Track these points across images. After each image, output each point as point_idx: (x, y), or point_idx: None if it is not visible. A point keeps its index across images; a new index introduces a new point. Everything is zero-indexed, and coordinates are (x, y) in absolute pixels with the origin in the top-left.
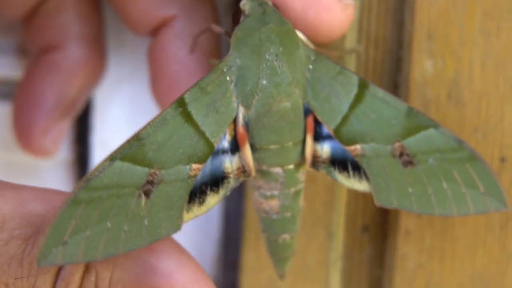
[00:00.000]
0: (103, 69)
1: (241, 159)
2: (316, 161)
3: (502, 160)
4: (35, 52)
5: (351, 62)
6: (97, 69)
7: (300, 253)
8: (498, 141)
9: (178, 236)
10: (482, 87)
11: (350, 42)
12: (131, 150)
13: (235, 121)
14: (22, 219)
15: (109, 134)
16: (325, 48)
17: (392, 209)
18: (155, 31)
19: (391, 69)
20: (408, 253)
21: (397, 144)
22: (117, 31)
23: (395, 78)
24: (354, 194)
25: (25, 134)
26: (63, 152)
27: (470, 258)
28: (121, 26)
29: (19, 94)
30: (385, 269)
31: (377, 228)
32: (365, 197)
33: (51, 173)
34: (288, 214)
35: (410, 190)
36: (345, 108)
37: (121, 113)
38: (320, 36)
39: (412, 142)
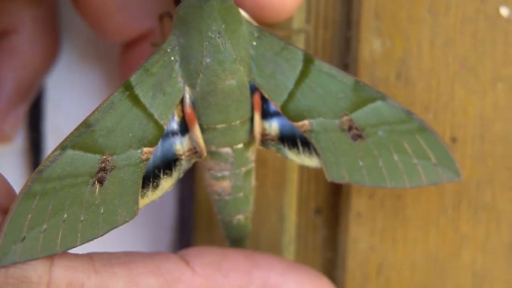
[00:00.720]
0: (57, 52)
1: (191, 140)
2: (265, 139)
3: (453, 140)
4: None
5: (300, 43)
6: (51, 52)
7: (252, 236)
8: (449, 121)
9: (133, 225)
10: (431, 66)
11: (298, 22)
12: (81, 138)
13: (182, 101)
14: None
15: (62, 120)
16: (272, 28)
17: (344, 191)
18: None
19: (340, 49)
20: (360, 235)
21: (345, 118)
22: (67, 15)
23: (344, 59)
24: (306, 176)
25: None
26: (17, 138)
27: (423, 240)
28: (72, 10)
29: None
30: (338, 252)
31: (330, 210)
32: (318, 179)
33: (6, 160)
34: (241, 195)
35: (360, 163)
36: (290, 84)
37: (73, 99)
38: (269, 16)
39: (360, 115)
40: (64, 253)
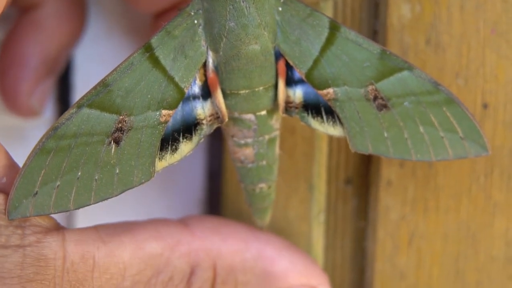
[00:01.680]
0: (83, 25)
1: (213, 104)
2: (288, 107)
3: (485, 106)
4: (15, 12)
5: (328, 10)
6: (77, 25)
7: (280, 207)
8: (480, 87)
9: (163, 197)
10: (461, 31)
11: None
12: (98, 97)
13: (205, 65)
14: (141, 263)
15: None
16: None
17: (374, 160)
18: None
19: (369, 15)
20: (391, 204)
21: (370, 87)
22: None
23: (373, 25)
24: (336, 145)
25: (11, 95)
26: (46, 112)
27: (455, 208)
28: None
29: (2, 55)
30: (368, 222)
31: (360, 179)
32: (348, 148)
33: (35, 133)
34: (264, 163)
35: (385, 134)
36: (316, 51)
37: (102, 71)
38: None
39: (386, 85)
40: (72, 229)
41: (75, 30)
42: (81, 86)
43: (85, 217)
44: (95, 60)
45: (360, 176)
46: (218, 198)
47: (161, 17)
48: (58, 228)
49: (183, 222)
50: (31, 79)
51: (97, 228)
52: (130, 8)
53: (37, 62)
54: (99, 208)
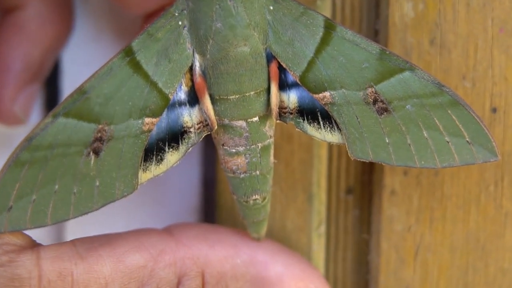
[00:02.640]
0: (70, 27)
1: (201, 111)
2: (282, 112)
3: (494, 110)
4: None
5: (326, 8)
6: (63, 27)
7: (278, 218)
8: (489, 90)
9: (157, 206)
10: (468, 30)
11: None
12: (75, 105)
13: (191, 70)
14: (124, 277)
15: None
16: None
17: (376, 168)
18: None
19: (369, 14)
20: (395, 215)
21: (369, 90)
22: None
23: (374, 24)
24: (336, 153)
25: None
26: (34, 118)
27: (463, 219)
28: None
29: None
30: (372, 234)
31: (362, 188)
32: (348, 156)
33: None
34: (257, 173)
35: (387, 140)
36: (310, 52)
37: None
38: None
39: (387, 87)
40: (47, 245)
41: (61, 33)
42: (69, 90)
43: (76, 227)
44: (83, 64)
45: (362, 185)
46: (213, 206)
47: (151, 18)
48: (32, 246)
49: (167, 230)
50: (14, 84)
51: (74, 243)
52: (118, 9)
53: (20, 67)
54: (90, 218)
